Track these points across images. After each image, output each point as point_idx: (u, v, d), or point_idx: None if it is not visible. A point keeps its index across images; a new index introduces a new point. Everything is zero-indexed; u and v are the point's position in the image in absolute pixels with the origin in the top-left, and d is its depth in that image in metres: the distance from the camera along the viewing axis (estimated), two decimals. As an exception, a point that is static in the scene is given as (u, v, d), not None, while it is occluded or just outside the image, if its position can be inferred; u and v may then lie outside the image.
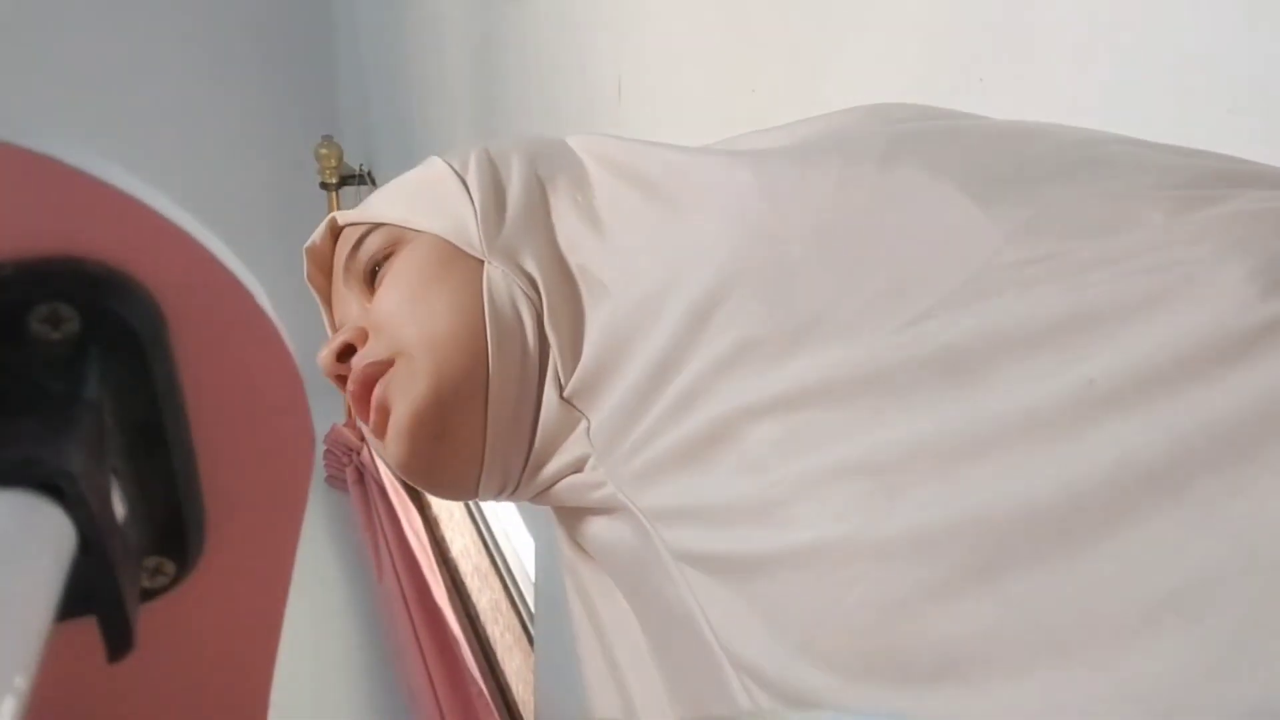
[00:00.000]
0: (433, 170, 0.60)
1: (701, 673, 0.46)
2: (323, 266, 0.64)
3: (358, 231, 0.60)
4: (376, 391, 0.54)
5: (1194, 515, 0.32)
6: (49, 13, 3.07)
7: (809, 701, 0.40)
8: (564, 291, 0.54)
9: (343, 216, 0.62)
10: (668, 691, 0.53)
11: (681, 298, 0.47)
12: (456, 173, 0.59)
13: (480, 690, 2.59)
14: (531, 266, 0.54)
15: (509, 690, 2.66)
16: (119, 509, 0.23)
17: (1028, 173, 0.43)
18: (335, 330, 0.62)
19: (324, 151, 3.19)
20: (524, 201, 0.57)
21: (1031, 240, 0.39)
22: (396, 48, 2.73)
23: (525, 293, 0.53)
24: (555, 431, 0.54)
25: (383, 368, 0.54)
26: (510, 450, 0.54)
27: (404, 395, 0.54)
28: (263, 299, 0.24)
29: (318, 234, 0.63)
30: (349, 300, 0.60)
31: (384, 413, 0.54)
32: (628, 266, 0.52)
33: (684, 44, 1.27)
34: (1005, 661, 0.34)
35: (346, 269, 0.60)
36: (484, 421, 0.54)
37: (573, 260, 0.54)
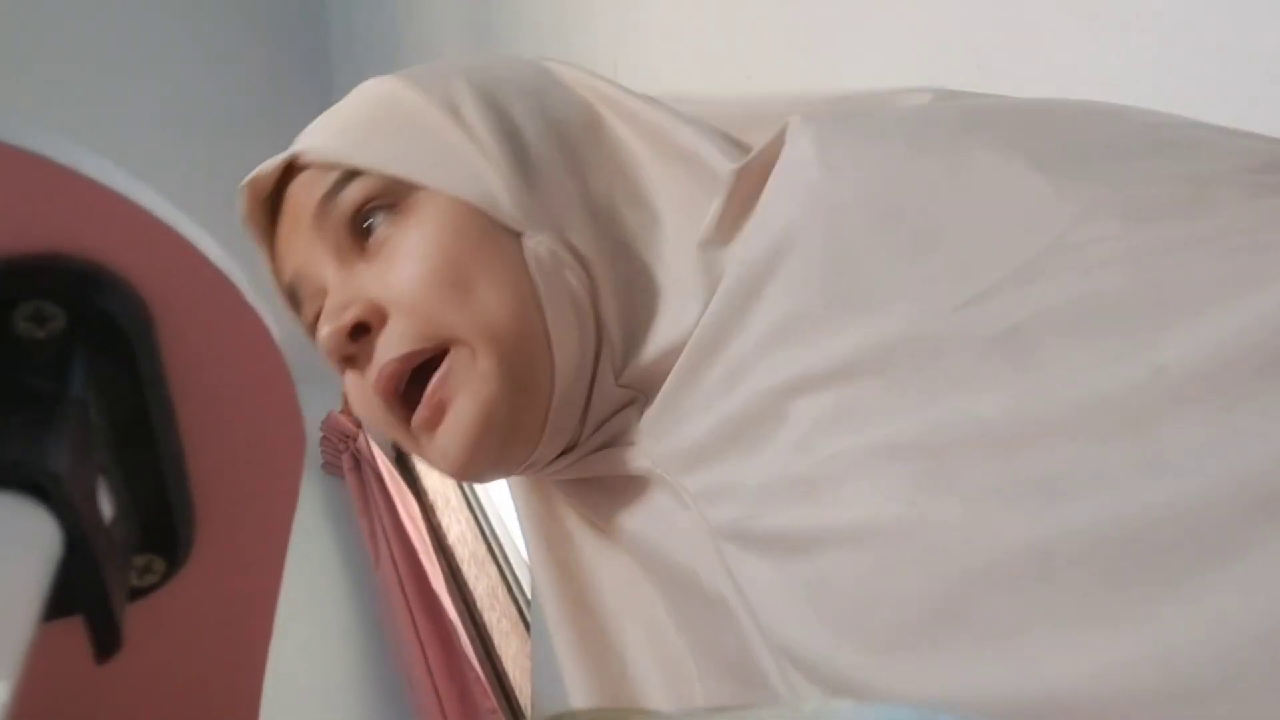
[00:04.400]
0: (413, 105, 0.52)
1: (732, 652, 0.46)
2: (264, 201, 0.54)
3: (329, 176, 0.51)
4: (434, 386, 0.49)
5: None
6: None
7: (850, 683, 0.39)
8: (611, 264, 0.50)
9: (312, 155, 0.52)
10: (696, 668, 0.52)
11: (733, 270, 0.45)
12: (448, 110, 0.52)
13: (477, 676, 2.60)
14: (575, 239, 0.50)
15: (506, 676, 2.67)
16: (106, 507, 0.23)
17: (1100, 152, 0.41)
18: (284, 280, 0.54)
19: (318, 136, 3.17)
20: (548, 158, 0.51)
21: (1102, 220, 0.38)
22: (391, 33, 2.72)
23: (574, 270, 0.49)
24: (607, 413, 0.52)
25: (425, 356, 0.49)
26: (569, 425, 0.52)
27: (472, 394, 0.49)
28: (250, 295, 0.24)
29: (269, 169, 0.53)
30: (318, 255, 0.52)
31: (440, 410, 0.50)
32: (675, 239, 0.49)
33: (681, 29, 1.27)
34: (1055, 645, 0.34)
35: (320, 219, 0.52)
36: (546, 415, 0.50)
37: (612, 228, 0.51)
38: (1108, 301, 0.36)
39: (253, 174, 0.53)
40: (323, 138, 0.53)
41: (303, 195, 0.53)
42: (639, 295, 0.51)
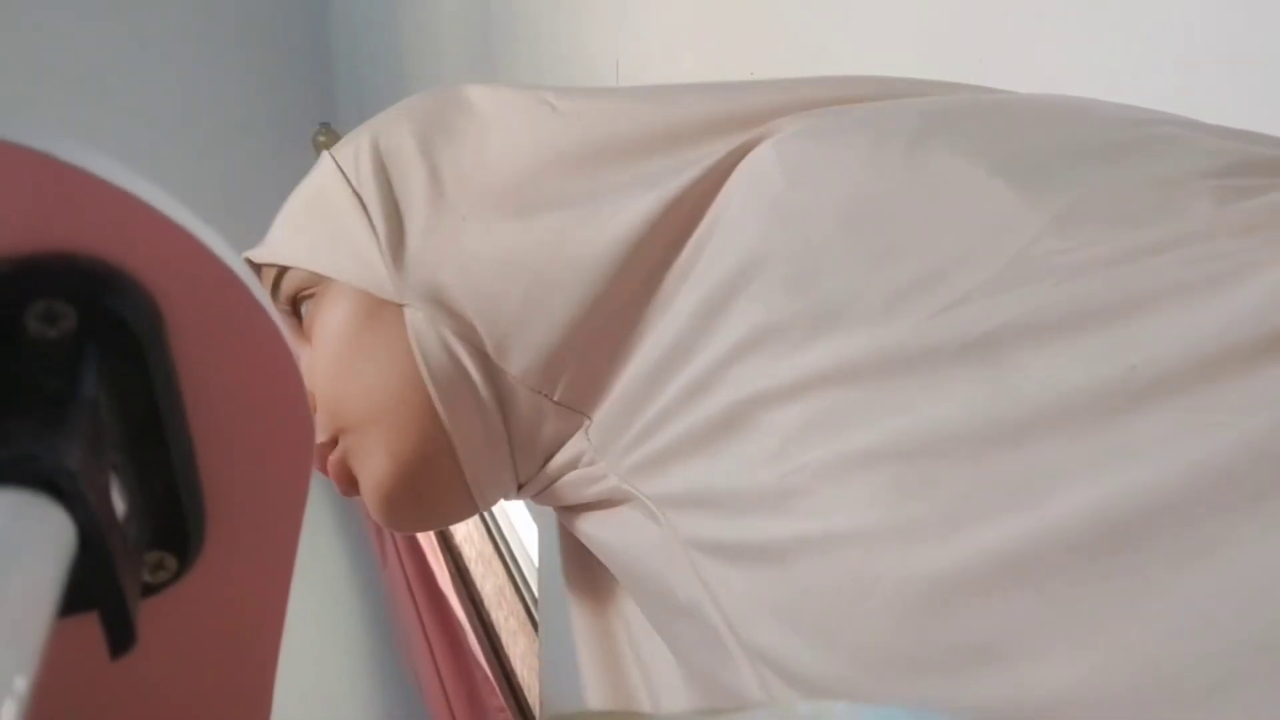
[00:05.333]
0: (325, 180, 0.54)
1: (712, 662, 0.45)
2: None
3: (270, 272, 0.55)
4: (331, 466, 0.53)
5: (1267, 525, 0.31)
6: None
7: (831, 693, 0.39)
8: (508, 299, 0.48)
9: (254, 255, 0.56)
10: (683, 680, 0.52)
11: (696, 283, 0.45)
12: (349, 182, 0.52)
13: (485, 675, 2.60)
14: (457, 291, 0.49)
15: (514, 675, 2.67)
16: (119, 505, 0.23)
17: (1068, 154, 0.42)
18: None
19: (322, 140, 3.19)
20: (426, 197, 0.50)
21: (1071, 227, 0.38)
22: (393, 33, 2.72)
23: (457, 332, 0.49)
24: (552, 437, 0.52)
25: (327, 448, 0.53)
26: (498, 475, 0.53)
27: (364, 470, 0.52)
28: (261, 295, 0.24)
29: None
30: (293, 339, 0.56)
31: (350, 482, 0.54)
32: (607, 251, 0.47)
33: (682, 26, 1.27)
34: (1039, 651, 0.33)
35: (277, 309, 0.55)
36: (459, 468, 0.52)
37: (508, 248, 0.48)
38: (1078, 308, 0.36)
39: None
40: (270, 234, 0.56)
41: (266, 286, 0.57)
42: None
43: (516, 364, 0.49)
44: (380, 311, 0.51)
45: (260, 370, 0.25)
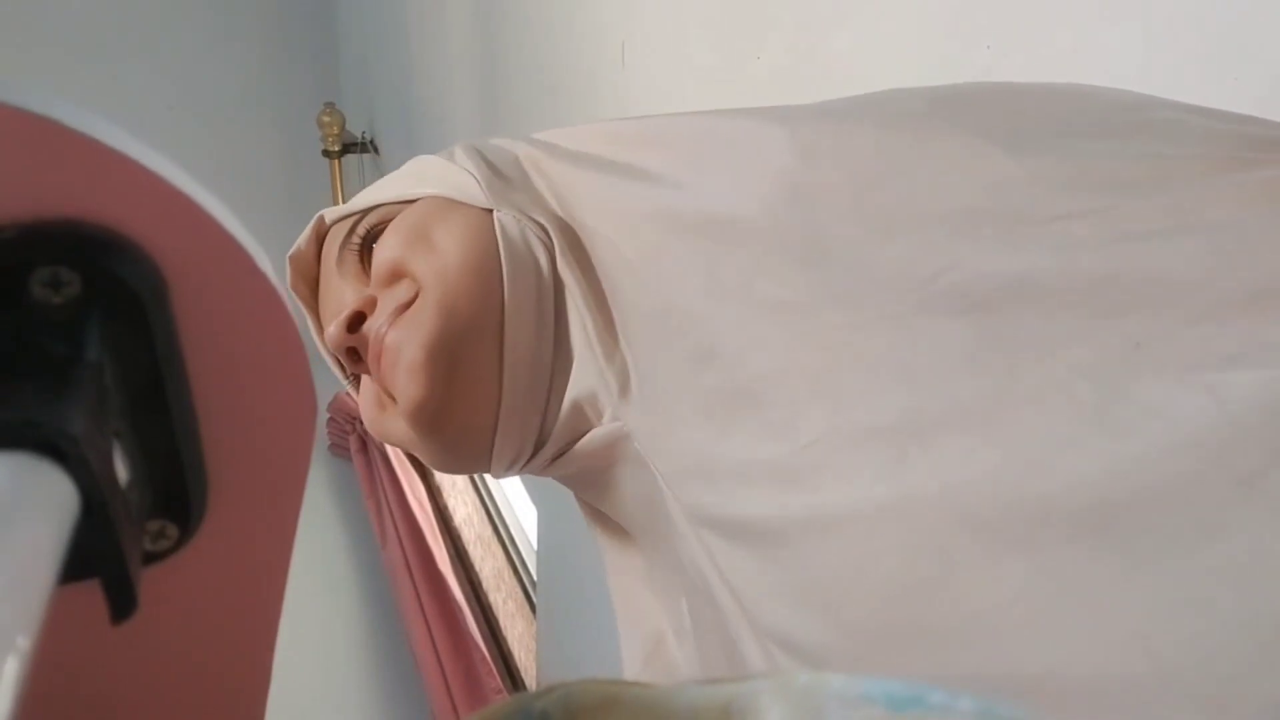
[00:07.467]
0: (420, 160, 0.61)
1: (717, 634, 0.46)
2: (306, 275, 0.61)
3: (349, 222, 0.59)
4: (388, 337, 0.52)
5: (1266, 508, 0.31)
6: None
7: (833, 667, 0.39)
8: (574, 241, 0.53)
9: (331, 213, 0.60)
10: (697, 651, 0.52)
11: (708, 254, 0.46)
12: (444, 159, 0.59)
13: (483, 655, 2.61)
14: (539, 215, 0.53)
15: (511, 656, 2.68)
16: (121, 472, 0.23)
17: (1069, 132, 0.43)
18: (321, 334, 0.60)
19: (326, 119, 3.17)
20: (520, 169, 0.57)
21: (1069, 196, 0.38)
22: (398, 14, 2.71)
23: (537, 235, 0.53)
24: (577, 378, 0.53)
25: (407, 306, 0.53)
26: (529, 401, 0.53)
27: (413, 333, 0.51)
28: (264, 263, 0.24)
29: (303, 238, 0.61)
30: (343, 290, 0.58)
31: (395, 354, 0.52)
32: (635, 220, 0.50)
33: (689, 11, 1.26)
34: (1030, 625, 0.34)
35: (341, 257, 0.58)
36: (499, 365, 0.52)
37: (574, 216, 0.53)
38: (1076, 277, 0.37)
39: (293, 248, 0.60)
40: (353, 201, 0.61)
41: (330, 247, 0.60)
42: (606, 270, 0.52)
43: (577, 282, 0.52)
44: (459, 208, 0.55)
45: (263, 338, 0.24)
